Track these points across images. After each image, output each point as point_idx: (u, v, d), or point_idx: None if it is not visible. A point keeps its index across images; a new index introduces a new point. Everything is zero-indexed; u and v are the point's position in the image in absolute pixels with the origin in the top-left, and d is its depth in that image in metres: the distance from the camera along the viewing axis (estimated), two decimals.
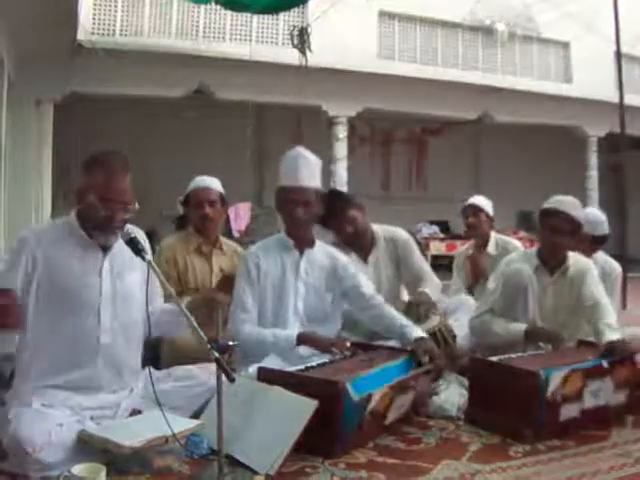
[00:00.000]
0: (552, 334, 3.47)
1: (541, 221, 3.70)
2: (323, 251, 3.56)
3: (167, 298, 3.00)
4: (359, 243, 4.22)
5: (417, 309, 4.02)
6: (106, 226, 2.65)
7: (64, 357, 2.64)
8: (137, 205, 2.69)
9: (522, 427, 2.86)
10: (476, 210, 5.14)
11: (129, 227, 2.65)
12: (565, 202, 3.68)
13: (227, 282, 3.83)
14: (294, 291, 3.41)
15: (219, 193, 4.14)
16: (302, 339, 3.20)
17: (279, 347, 3.17)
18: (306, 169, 3.39)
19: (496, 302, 3.70)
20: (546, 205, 3.71)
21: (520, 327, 3.51)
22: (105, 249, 2.74)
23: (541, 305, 3.64)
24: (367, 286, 3.56)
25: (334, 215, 4.06)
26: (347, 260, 3.62)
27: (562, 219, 3.60)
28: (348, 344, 3.19)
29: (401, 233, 4.44)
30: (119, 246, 2.73)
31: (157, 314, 2.84)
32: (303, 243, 3.47)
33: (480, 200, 5.22)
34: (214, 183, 4.18)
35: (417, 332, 3.32)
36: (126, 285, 2.78)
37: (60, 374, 2.63)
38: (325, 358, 3.10)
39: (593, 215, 4.54)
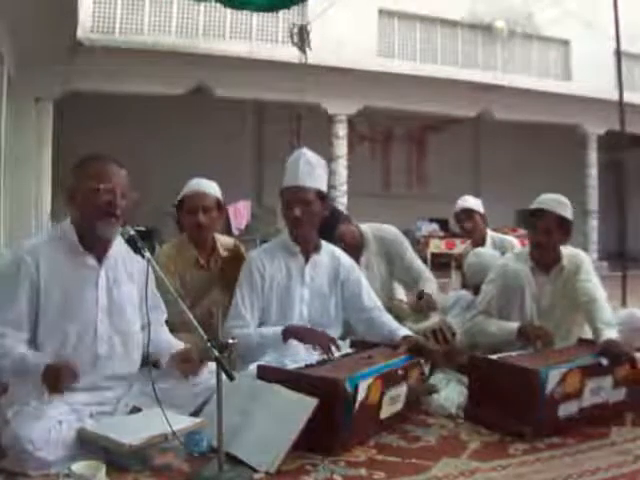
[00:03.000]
0: (544, 332, 3.46)
1: (529, 222, 3.67)
2: (328, 253, 3.51)
3: (165, 295, 3.01)
4: (349, 250, 4.20)
5: (417, 309, 4.04)
6: (108, 211, 2.62)
7: None
8: (136, 195, 2.69)
9: (521, 425, 2.86)
10: (469, 214, 5.14)
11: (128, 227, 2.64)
12: (550, 200, 3.64)
13: (231, 263, 3.79)
14: (299, 298, 3.38)
15: (215, 199, 3.84)
16: (288, 333, 3.15)
17: (268, 346, 3.15)
18: (306, 169, 3.33)
19: (492, 303, 3.69)
20: (532, 205, 3.67)
21: (513, 325, 3.51)
22: (100, 259, 2.73)
23: (538, 305, 3.63)
24: (369, 297, 3.50)
25: (322, 233, 4.03)
26: (351, 264, 3.57)
27: (548, 218, 3.58)
28: (334, 349, 3.10)
29: (389, 230, 4.43)
30: (114, 256, 2.76)
31: (155, 341, 2.81)
32: (308, 248, 3.43)
33: (470, 202, 5.21)
34: (210, 187, 3.87)
35: (404, 332, 3.31)
36: (122, 294, 2.78)
37: None
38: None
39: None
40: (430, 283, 4.29)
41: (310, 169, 3.35)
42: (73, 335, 2.65)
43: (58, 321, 2.64)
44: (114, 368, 2.75)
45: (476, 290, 4.04)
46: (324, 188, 3.42)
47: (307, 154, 3.40)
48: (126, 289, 2.80)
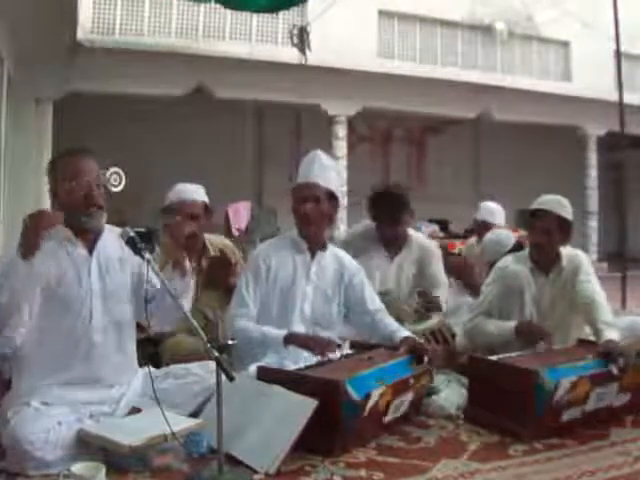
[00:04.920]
0: (542, 329, 3.47)
1: (529, 223, 3.68)
2: (333, 256, 3.51)
3: None
4: (394, 243, 4.31)
5: (419, 308, 4.06)
6: (89, 204, 2.66)
7: (60, 356, 2.66)
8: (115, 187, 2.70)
9: (521, 426, 2.86)
10: (488, 227, 5.18)
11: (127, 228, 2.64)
12: (551, 201, 3.65)
13: (218, 264, 3.80)
14: (302, 294, 3.37)
15: (203, 204, 3.84)
16: (290, 340, 3.16)
17: (267, 346, 3.16)
18: (318, 168, 3.36)
19: (492, 304, 3.69)
20: (533, 206, 3.67)
21: (511, 324, 3.52)
22: (91, 249, 2.75)
23: (538, 306, 3.63)
24: (371, 299, 3.51)
25: (384, 216, 4.18)
26: (356, 269, 3.56)
27: (549, 219, 3.58)
28: (337, 352, 3.11)
29: (434, 245, 4.58)
30: (104, 244, 2.77)
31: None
32: (315, 245, 3.43)
33: (495, 217, 5.22)
34: (198, 193, 3.86)
35: (404, 333, 3.31)
36: (116, 281, 2.79)
37: (57, 372, 2.64)
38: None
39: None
40: (442, 290, 4.37)
41: (323, 170, 3.38)
42: (68, 324, 2.66)
43: (53, 310, 2.65)
44: (109, 357, 2.75)
45: (491, 266, 4.08)
46: (335, 190, 3.42)
47: (322, 156, 3.44)
48: (118, 276, 2.81)
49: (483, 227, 5.29)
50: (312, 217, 3.34)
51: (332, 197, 3.38)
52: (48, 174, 2.77)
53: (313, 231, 3.40)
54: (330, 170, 3.43)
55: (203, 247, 3.92)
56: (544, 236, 3.59)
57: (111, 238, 2.77)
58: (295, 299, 3.36)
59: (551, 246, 3.63)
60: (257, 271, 3.35)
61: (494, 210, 5.41)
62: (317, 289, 3.41)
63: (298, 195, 3.37)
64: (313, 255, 3.43)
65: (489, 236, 4.83)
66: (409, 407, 3.03)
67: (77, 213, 2.66)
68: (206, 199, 3.90)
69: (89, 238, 2.76)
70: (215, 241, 4.04)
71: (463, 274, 4.91)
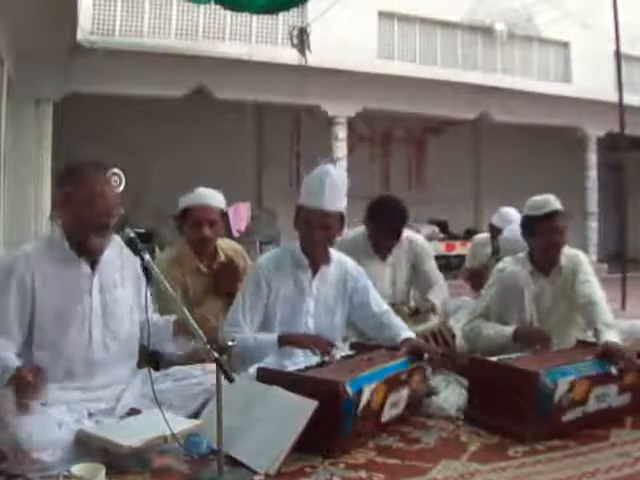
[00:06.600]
0: (541, 334, 3.46)
1: (541, 225, 3.61)
2: (336, 263, 3.47)
3: (166, 301, 3.02)
4: (385, 246, 4.29)
5: (418, 311, 4.06)
6: (102, 223, 2.62)
7: (60, 371, 2.66)
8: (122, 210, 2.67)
9: (521, 427, 2.86)
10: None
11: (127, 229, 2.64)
12: (554, 201, 3.65)
13: (225, 270, 3.79)
14: (305, 310, 3.37)
15: (220, 210, 3.84)
16: (284, 341, 3.17)
17: (262, 351, 3.16)
18: (331, 191, 3.26)
19: (491, 306, 3.68)
20: (544, 209, 3.62)
21: (509, 329, 3.51)
22: (93, 265, 2.73)
23: (538, 307, 3.63)
24: (376, 302, 3.49)
25: (387, 229, 4.17)
26: (359, 273, 3.54)
27: (563, 218, 3.59)
28: (333, 350, 3.13)
29: (420, 238, 4.56)
30: (106, 259, 2.76)
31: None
32: (318, 262, 3.40)
33: (510, 223, 5.22)
34: (215, 199, 3.85)
35: (406, 334, 3.31)
36: (116, 298, 2.79)
37: (57, 384, 2.63)
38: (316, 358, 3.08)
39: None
40: (441, 290, 4.38)
41: (335, 191, 3.28)
42: (69, 342, 2.67)
43: (53, 328, 2.65)
44: (110, 373, 2.76)
45: None
46: (344, 207, 3.38)
47: (332, 173, 3.30)
48: (120, 292, 2.81)
49: (498, 232, 5.29)
50: (321, 244, 3.33)
51: (341, 217, 3.35)
52: (57, 186, 2.73)
53: (320, 252, 3.38)
54: (341, 189, 3.33)
55: (215, 252, 3.91)
56: (562, 235, 3.61)
57: (113, 250, 2.76)
58: (299, 316, 3.37)
59: (563, 244, 3.64)
60: (257, 288, 3.33)
61: (513, 218, 5.41)
62: (319, 303, 3.41)
63: (310, 220, 3.29)
64: (315, 270, 3.40)
65: (505, 234, 4.82)
66: (407, 407, 3.03)
67: (87, 230, 2.65)
68: (223, 206, 3.88)
69: (92, 254, 2.73)
70: (225, 246, 4.02)
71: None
